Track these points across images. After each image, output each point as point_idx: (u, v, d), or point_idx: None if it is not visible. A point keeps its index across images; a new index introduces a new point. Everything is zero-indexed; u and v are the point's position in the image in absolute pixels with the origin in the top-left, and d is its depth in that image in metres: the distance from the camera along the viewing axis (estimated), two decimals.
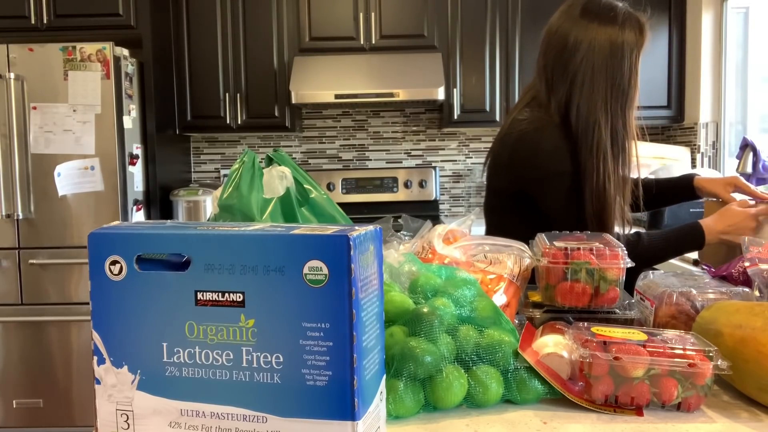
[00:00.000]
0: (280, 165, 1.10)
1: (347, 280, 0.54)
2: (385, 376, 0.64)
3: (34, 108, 2.88)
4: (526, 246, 1.03)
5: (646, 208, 1.74)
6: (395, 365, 0.74)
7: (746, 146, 2.90)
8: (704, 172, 3.11)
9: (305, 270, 0.55)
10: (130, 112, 3.04)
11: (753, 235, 1.33)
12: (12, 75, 2.85)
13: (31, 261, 2.93)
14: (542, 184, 1.43)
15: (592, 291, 0.94)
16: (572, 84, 1.38)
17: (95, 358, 0.61)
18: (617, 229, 1.41)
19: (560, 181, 1.41)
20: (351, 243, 0.54)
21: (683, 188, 1.68)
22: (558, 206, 1.43)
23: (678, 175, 1.77)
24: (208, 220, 0.91)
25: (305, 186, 1.10)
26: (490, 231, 1.59)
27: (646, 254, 1.38)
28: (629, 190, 1.46)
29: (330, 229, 0.57)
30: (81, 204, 2.93)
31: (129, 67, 3.03)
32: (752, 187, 1.52)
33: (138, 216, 3.11)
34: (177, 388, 0.59)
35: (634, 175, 1.51)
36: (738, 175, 1.71)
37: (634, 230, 1.46)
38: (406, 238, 1.11)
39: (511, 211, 1.52)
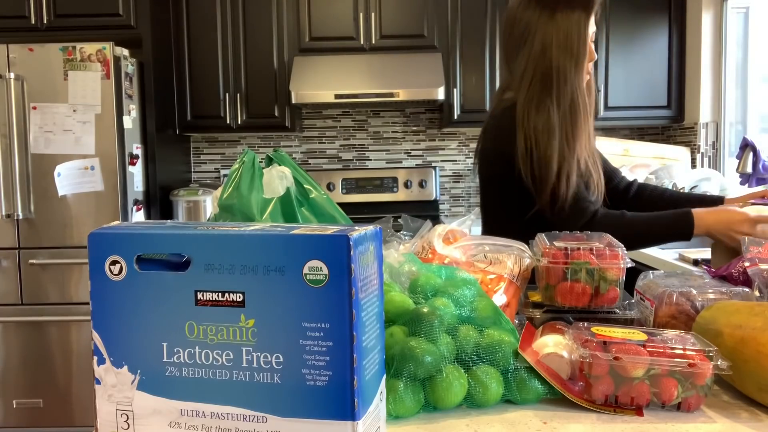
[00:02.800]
0: (280, 165, 1.10)
1: (347, 280, 0.54)
2: (385, 376, 0.64)
3: (34, 108, 2.88)
4: (526, 246, 1.03)
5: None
6: (395, 365, 0.74)
7: (746, 146, 2.90)
8: (704, 173, 3.11)
9: (305, 270, 0.55)
10: (130, 112, 3.04)
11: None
12: (12, 75, 2.85)
13: (31, 261, 2.93)
14: (497, 164, 1.47)
15: (592, 291, 0.94)
16: (521, 52, 1.44)
17: (95, 358, 0.61)
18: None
19: (509, 163, 1.42)
20: (351, 243, 0.54)
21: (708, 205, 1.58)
22: (510, 191, 1.43)
23: (701, 193, 1.73)
24: (208, 220, 0.91)
25: (305, 186, 1.10)
26: (486, 228, 1.59)
27: (626, 232, 1.33)
28: (588, 158, 1.43)
29: (330, 229, 0.57)
30: (81, 204, 2.93)
31: (129, 67, 3.03)
32: None
33: (138, 216, 3.11)
34: (177, 388, 0.59)
35: (630, 176, 1.51)
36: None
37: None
38: (406, 238, 1.11)
39: (497, 201, 1.52)
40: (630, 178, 1.75)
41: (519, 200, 1.44)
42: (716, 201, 1.59)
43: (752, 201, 1.43)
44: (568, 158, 1.38)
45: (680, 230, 1.32)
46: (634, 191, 1.66)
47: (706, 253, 2.11)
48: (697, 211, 1.34)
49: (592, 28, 1.44)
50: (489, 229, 1.57)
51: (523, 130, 1.40)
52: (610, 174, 1.66)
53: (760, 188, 1.55)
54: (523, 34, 1.44)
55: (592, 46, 1.46)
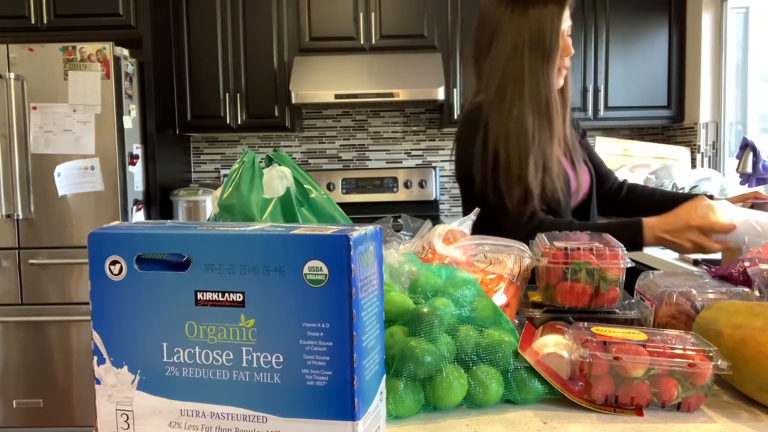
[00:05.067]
0: (280, 165, 1.10)
1: (347, 280, 0.54)
2: (385, 376, 0.64)
3: (34, 108, 2.88)
4: (526, 246, 1.03)
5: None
6: (395, 365, 0.74)
7: (746, 146, 2.90)
8: (704, 173, 3.11)
9: (305, 270, 0.55)
10: (130, 112, 3.04)
11: (695, 251, 1.16)
12: (12, 75, 2.85)
13: (31, 261, 2.93)
14: (461, 167, 1.47)
15: (592, 291, 0.94)
16: (492, 51, 1.41)
17: (95, 358, 0.61)
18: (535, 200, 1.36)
19: (475, 163, 1.40)
20: (351, 243, 0.54)
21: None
22: (480, 188, 1.40)
23: (688, 192, 1.72)
24: (208, 220, 0.91)
25: (305, 186, 1.10)
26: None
27: None
28: (553, 153, 1.39)
29: (330, 229, 0.57)
30: (81, 204, 2.93)
31: (129, 67, 3.03)
32: None
33: (138, 216, 3.11)
34: (177, 388, 0.59)
35: (626, 177, 1.49)
36: (758, 190, 1.55)
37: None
38: (406, 238, 1.11)
39: (466, 205, 1.51)
40: (630, 178, 1.74)
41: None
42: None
43: (752, 201, 1.42)
44: (540, 160, 1.35)
45: (629, 240, 1.20)
46: (624, 192, 1.64)
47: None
48: (648, 221, 1.27)
49: (567, 22, 1.40)
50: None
51: (492, 132, 1.37)
52: (604, 177, 1.65)
53: (757, 188, 1.54)
54: (494, 31, 1.41)
55: (569, 40, 1.42)
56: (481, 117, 1.40)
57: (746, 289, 0.93)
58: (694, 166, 3.44)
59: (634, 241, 1.26)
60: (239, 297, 0.57)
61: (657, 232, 1.25)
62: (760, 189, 2.83)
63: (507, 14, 1.39)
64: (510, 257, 0.99)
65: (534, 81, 1.37)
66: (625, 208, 1.64)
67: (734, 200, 1.51)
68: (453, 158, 1.54)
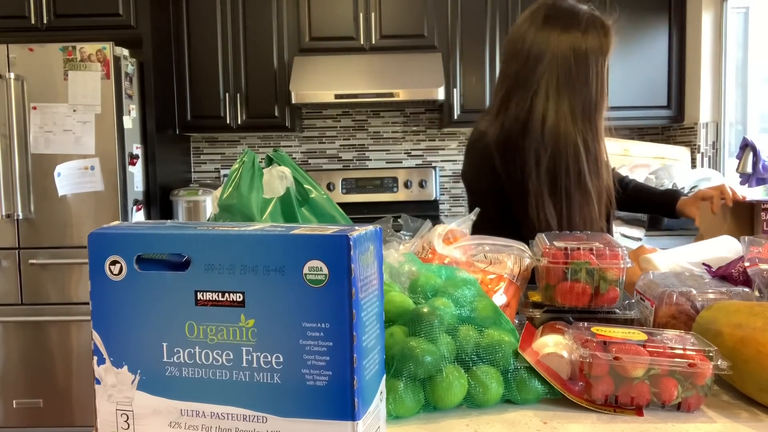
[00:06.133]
0: (280, 165, 1.10)
1: (347, 280, 0.54)
2: (385, 376, 0.64)
3: (34, 108, 2.88)
4: (526, 246, 1.03)
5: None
6: (395, 365, 0.74)
7: (746, 146, 2.90)
8: (704, 173, 3.11)
9: (305, 270, 0.55)
10: (130, 112, 3.04)
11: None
12: (12, 75, 2.85)
13: (31, 261, 2.93)
14: (468, 196, 1.50)
15: (592, 291, 0.94)
16: (535, 94, 1.32)
17: (95, 358, 0.61)
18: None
19: (479, 198, 1.43)
20: (351, 243, 0.54)
21: (664, 204, 1.64)
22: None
23: (663, 189, 1.73)
24: (208, 220, 0.91)
25: (305, 186, 1.10)
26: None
27: None
28: (603, 199, 1.36)
29: (330, 229, 0.57)
30: (81, 204, 2.93)
31: (129, 67, 3.03)
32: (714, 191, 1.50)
33: (138, 216, 3.11)
34: (177, 388, 0.59)
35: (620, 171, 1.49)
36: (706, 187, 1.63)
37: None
38: (406, 238, 1.11)
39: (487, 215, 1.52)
40: (630, 177, 1.74)
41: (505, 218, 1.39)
42: (675, 197, 1.62)
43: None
44: (589, 201, 1.32)
45: None
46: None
47: None
48: None
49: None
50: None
51: (529, 169, 1.31)
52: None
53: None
54: (533, 68, 1.32)
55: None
56: (482, 153, 1.36)
57: (746, 289, 0.93)
58: (694, 166, 3.44)
59: None
60: (239, 297, 0.57)
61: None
62: (760, 189, 2.83)
63: (546, 45, 1.31)
64: (510, 257, 0.99)
65: (582, 134, 1.31)
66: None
67: (702, 194, 1.52)
68: (467, 183, 1.52)
